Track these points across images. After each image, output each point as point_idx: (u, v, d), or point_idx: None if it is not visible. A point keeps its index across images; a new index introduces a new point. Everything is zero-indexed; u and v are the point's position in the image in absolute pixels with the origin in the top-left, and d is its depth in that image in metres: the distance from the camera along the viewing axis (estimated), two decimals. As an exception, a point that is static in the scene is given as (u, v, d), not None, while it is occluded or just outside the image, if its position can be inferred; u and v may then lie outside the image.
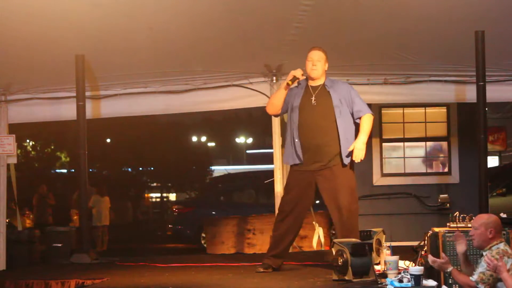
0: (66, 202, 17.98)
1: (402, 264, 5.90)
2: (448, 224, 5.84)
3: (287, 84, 6.48)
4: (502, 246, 4.97)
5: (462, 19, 7.17)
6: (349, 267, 5.56)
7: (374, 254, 5.94)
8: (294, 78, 6.44)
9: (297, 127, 6.41)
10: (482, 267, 4.92)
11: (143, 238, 20.35)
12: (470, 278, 4.95)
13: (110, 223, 16.09)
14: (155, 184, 34.36)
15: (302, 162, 6.41)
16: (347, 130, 6.43)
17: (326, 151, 6.37)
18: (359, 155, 6.28)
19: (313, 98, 6.43)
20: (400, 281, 5.19)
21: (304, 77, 6.47)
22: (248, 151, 42.23)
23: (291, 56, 8.07)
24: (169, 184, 33.66)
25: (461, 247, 5.21)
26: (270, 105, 6.71)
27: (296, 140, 6.41)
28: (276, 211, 7.33)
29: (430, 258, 5.21)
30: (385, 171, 10.27)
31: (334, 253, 5.72)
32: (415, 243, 6.25)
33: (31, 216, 16.52)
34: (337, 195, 6.34)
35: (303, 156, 6.40)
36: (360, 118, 6.45)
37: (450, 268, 5.09)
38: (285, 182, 6.97)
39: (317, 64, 6.43)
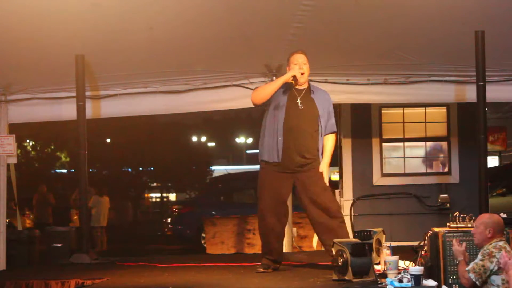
0: (66, 202, 18.00)
1: (402, 264, 5.90)
2: (448, 224, 5.85)
3: (290, 82, 6.44)
4: (501, 243, 5.03)
5: (462, 19, 7.17)
6: (349, 267, 5.56)
7: (374, 254, 5.94)
8: (295, 78, 6.44)
9: (282, 126, 6.41)
10: (477, 259, 5.05)
11: (143, 238, 20.35)
12: (465, 268, 5.04)
13: (109, 224, 16.09)
14: (155, 184, 34.35)
15: (280, 161, 6.40)
16: (322, 139, 6.53)
17: (305, 155, 6.41)
18: (325, 179, 6.46)
19: (299, 101, 6.45)
20: (400, 281, 5.19)
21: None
22: (248, 151, 42.25)
23: (291, 56, 8.07)
24: (169, 184, 33.65)
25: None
26: (260, 96, 6.52)
27: (280, 138, 6.40)
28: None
29: (455, 240, 5.33)
30: (385, 171, 10.26)
31: (334, 253, 5.72)
32: (415, 243, 6.25)
33: (31, 216, 16.55)
34: (320, 196, 6.40)
35: (282, 156, 6.40)
36: (328, 134, 6.55)
37: (460, 258, 5.18)
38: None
39: (303, 68, 6.45)
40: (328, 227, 6.37)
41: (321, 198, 6.38)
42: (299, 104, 6.44)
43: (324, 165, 6.47)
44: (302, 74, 6.44)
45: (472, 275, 4.96)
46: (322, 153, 6.51)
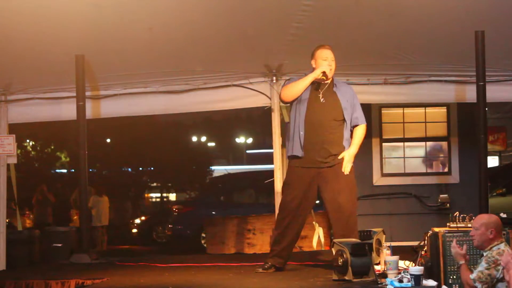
0: (66, 202, 17.99)
1: (402, 264, 5.89)
2: (448, 224, 5.84)
3: (321, 78, 6.40)
4: (502, 246, 4.99)
5: (462, 19, 7.18)
6: (349, 267, 5.56)
7: (374, 254, 5.94)
8: (324, 74, 6.40)
9: (304, 120, 6.40)
10: (481, 266, 4.96)
11: (143, 238, 20.34)
12: (470, 276, 4.98)
13: (110, 224, 16.09)
14: (155, 184, 34.33)
15: (303, 155, 6.38)
16: (348, 132, 6.48)
17: (330, 149, 6.37)
18: (347, 168, 6.36)
19: (320, 95, 6.43)
20: (400, 281, 5.19)
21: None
22: (248, 151, 42.24)
23: (291, 56, 8.07)
24: (169, 184, 33.64)
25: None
26: (290, 94, 6.48)
27: (301, 132, 6.39)
28: (277, 211, 7.32)
29: (455, 242, 5.21)
30: (385, 171, 10.27)
31: (334, 253, 5.72)
32: (415, 243, 6.25)
33: (31, 216, 16.55)
34: (339, 195, 6.33)
35: (306, 152, 6.38)
36: (355, 126, 6.51)
37: (461, 262, 5.11)
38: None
39: (332, 64, 6.43)
40: (340, 225, 6.33)
41: (340, 195, 6.32)
42: (320, 98, 6.42)
43: (348, 153, 6.35)
44: (331, 70, 6.41)
45: (479, 285, 4.91)
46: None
